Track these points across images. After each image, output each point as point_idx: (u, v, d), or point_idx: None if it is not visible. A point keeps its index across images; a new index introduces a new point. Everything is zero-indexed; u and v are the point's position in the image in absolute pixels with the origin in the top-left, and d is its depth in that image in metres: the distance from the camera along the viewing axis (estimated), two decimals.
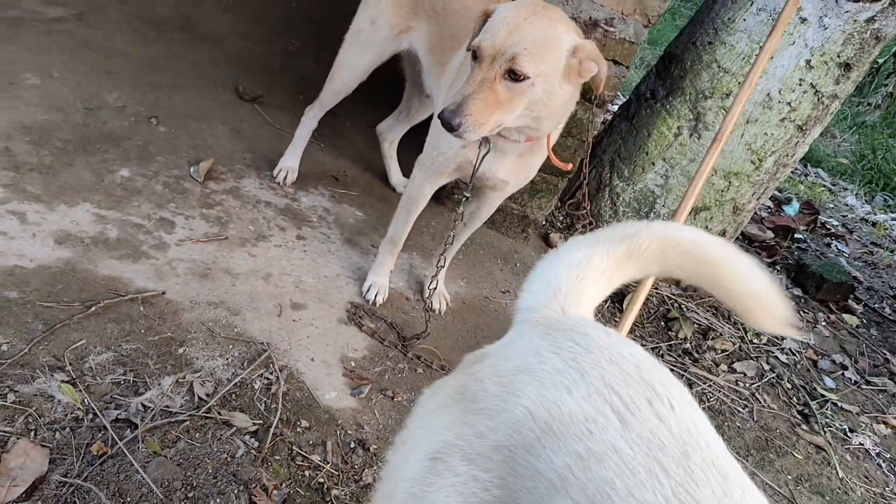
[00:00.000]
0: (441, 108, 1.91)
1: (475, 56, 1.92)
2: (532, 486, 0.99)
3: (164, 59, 3.41)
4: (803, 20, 2.87)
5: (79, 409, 1.89)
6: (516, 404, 1.04)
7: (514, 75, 1.89)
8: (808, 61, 2.94)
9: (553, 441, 0.98)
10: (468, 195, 2.33)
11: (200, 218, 2.64)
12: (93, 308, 2.13)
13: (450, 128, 1.87)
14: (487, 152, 2.20)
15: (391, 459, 1.28)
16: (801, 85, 2.99)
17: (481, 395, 1.11)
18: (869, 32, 2.89)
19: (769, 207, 5.20)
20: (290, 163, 3.01)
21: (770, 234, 4.63)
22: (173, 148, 2.90)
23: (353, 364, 2.36)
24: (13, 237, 2.24)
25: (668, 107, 3.20)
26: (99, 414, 1.89)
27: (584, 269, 1.27)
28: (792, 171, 6.38)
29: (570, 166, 2.35)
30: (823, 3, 2.82)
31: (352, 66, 2.75)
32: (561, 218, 3.59)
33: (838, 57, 2.93)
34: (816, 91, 3.00)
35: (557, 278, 1.27)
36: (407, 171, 3.25)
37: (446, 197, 3.28)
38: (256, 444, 1.98)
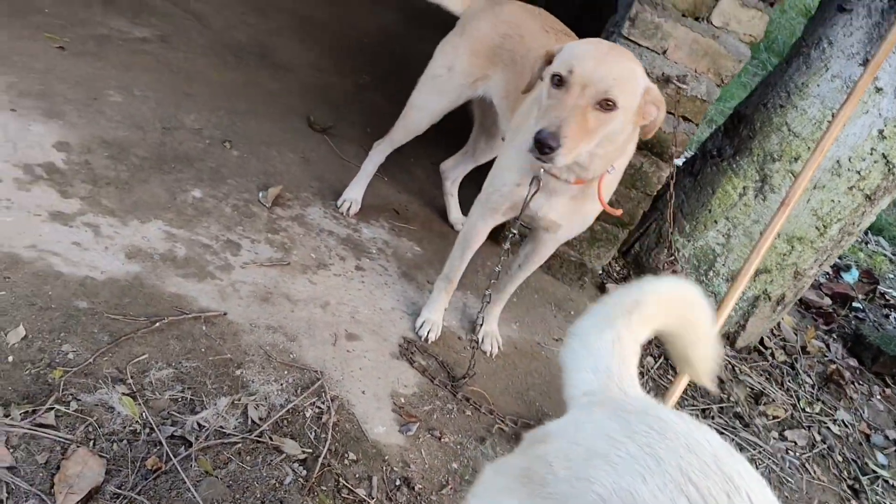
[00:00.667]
0: (534, 129, 1.89)
1: (559, 83, 1.92)
2: None
3: (241, 86, 3.51)
4: (878, 90, 2.85)
5: (137, 422, 1.93)
6: (588, 491, 1.02)
7: (606, 105, 1.92)
8: (881, 131, 2.91)
9: None
10: (514, 231, 2.34)
11: (265, 242, 2.70)
12: (157, 324, 2.19)
13: (547, 148, 1.86)
14: (537, 190, 2.21)
15: None
16: (871, 154, 2.95)
17: (550, 479, 1.09)
18: None
19: (828, 274, 5.11)
20: (354, 194, 3.07)
21: (828, 300, 4.55)
22: (244, 172, 2.97)
23: (402, 400, 2.37)
24: (87, 248, 2.32)
25: (734, 166, 3.18)
26: (156, 429, 1.93)
27: (621, 348, 1.30)
28: None
29: (620, 212, 2.35)
30: None
31: (426, 109, 2.80)
32: (618, 269, 3.58)
33: None
34: (887, 161, 2.96)
35: (604, 362, 1.29)
36: (467, 210, 3.28)
37: (503, 239, 3.29)
38: (304, 472, 2.00)
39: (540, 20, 2.61)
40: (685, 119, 2.87)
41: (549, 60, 2.07)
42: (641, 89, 1.99)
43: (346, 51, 4.34)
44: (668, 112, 2.78)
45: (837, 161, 3.00)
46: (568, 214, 2.35)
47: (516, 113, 2.45)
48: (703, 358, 1.41)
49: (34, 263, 2.17)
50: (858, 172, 3.00)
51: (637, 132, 2.13)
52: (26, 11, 3.20)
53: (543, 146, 1.86)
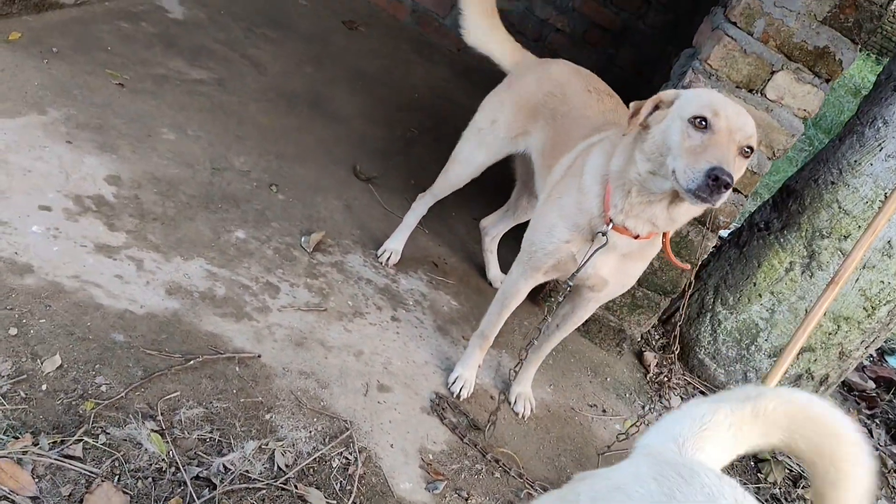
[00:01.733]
0: (700, 167, 1.85)
1: (702, 126, 1.90)
2: None
3: (292, 132, 3.56)
4: None
5: (163, 460, 1.92)
6: None
7: (745, 152, 1.93)
8: None
9: None
10: (561, 298, 2.29)
11: (304, 287, 2.70)
12: (191, 362, 2.18)
13: (724, 186, 1.81)
14: (605, 244, 2.16)
15: None
16: None
17: None
18: None
19: (872, 357, 4.97)
20: (395, 245, 3.07)
21: (871, 384, 4.41)
22: (288, 216, 2.99)
23: (430, 457, 2.33)
24: (128, 282, 2.33)
25: (781, 240, 3.13)
26: (181, 468, 1.91)
27: (707, 421, 1.22)
28: None
29: (688, 266, 2.30)
30: None
31: (468, 162, 2.81)
32: (657, 337, 3.51)
33: None
34: None
35: (677, 426, 1.24)
36: (505, 267, 3.26)
37: (542, 298, 3.26)
38: None
39: (585, 81, 2.63)
40: (735, 190, 2.83)
41: (657, 106, 2.05)
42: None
43: (396, 104, 4.39)
44: None
45: (889, 242, 2.94)
46: (616, 272, 2.30)
47: (553, 169, 2.44)
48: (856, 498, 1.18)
49: (76, 293, 2.19)
50: None
51: None
52: (90, 48, 3.30)
53: (721, 183, 1.80)
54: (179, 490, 1.88)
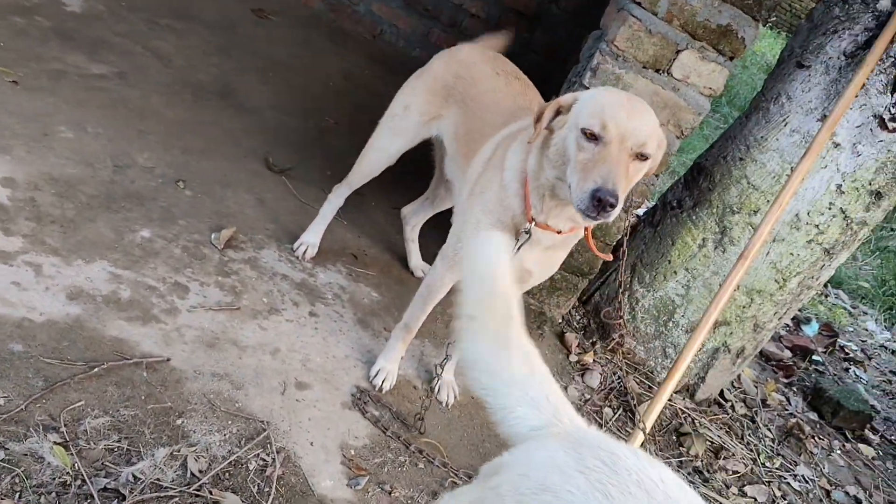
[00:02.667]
0: (585, 187, 1.85)
1: (593, 137, 1.90)
2: None
3: (199, 125, 3.45)
4: (837, 145, 2.87)
5: (68, 473, 1.83)
6: None
7: (641, 156, 1.93)
8: (839, 186, 2.92)
9: None
10: None
11: (215, 286, 2.61)
12: (95, 369, 2.09)
13: (609, 206, 1.82)
14: (528, 238, 2.16)
15: None
16: (830, 209, 2.97)
17: None
18: None
19: (788, 326, 5.12)
20: (311, 238, 3.00)
21: (788, 353, 4.55)
22: (197, 213, 2.89)
23: (352, 452, 2.29)
24: (26, 289, 2.22)
25: (694, 217, 3.18)
26: (88, 481, 1.83)
27: (542, 374, 1.30)
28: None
29: (610, 257, 2.31)
30: (858, 131, 2.82)
31: (383, 150, 2.77)
32: (578, 317, 3.54)
33: (870, 184, 2.91)
34: (846, 216, 2.98)
35: (539, 393, 1.27)
36: (427, 255, 3.23)
37: None
38: None
39: (492, 63, 2.62)
40: None
41: (558, 111, 2.04)
42: (660, 135, 2.02)
43: (311, 94, 4.30)
44: None
45: (797, 215, 3.01)
46: (540, 263, 2.32)
47: (474, 161, 2.42)
48: None
49: None
50: (817, 226, 3.01)
51: None
52: None
53: (605, 204, 1.81)
54: (86, 503, 1.79)
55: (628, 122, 1.91)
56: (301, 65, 4.58)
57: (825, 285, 6.65)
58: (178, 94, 3.59)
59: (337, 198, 2.97)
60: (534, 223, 2.14)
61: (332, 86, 4.54)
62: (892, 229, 8.43)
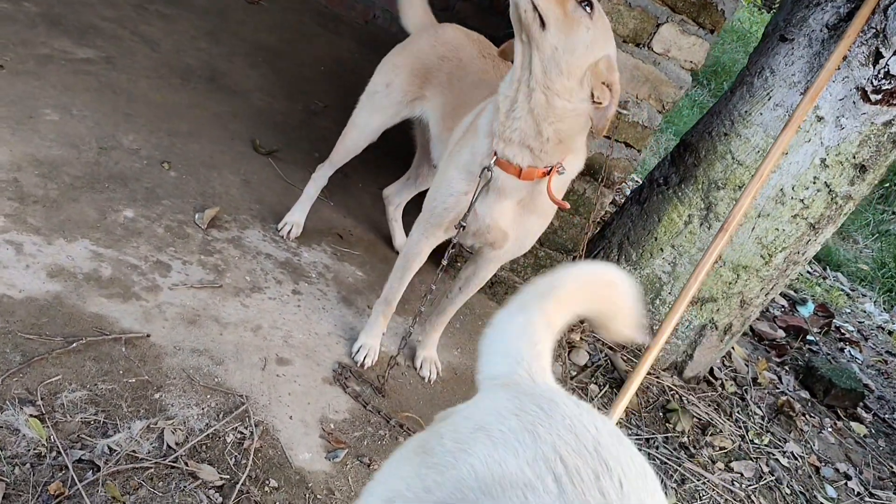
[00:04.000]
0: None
1: None
2: None
3: (186, 108, 3.46)
4: (820, 119, 2.86)
5: (43, 445, 1.85)
6: (465, 462, 1.03)
7: (585, 3, 1.93)
8: (823, 160, 2.91)
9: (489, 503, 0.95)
10: (464, 224, 2.26)
11: (198, 264, 2.63)
12: (74, 344, 2.10)
13: None
14: (490, 177, 2.17)
15: None
16: (815, 183, 2.96)
17: (438, 450, 1.10)
18: (886, 136, 2.87)
19: (783, 306, 5.12)
20: (295, 217, 3.01)
21: (781, 332, 4.54)
22: (181, 193, 2.91)
23: (332, 426, 2.30)
24: (6, 266, 2.24)
25: (679, 194, 3.18)
26: (63, 452, 1.84)
27: (533, 332, 1.29)
28: (810, 273, 6.31)
29: (567, 205, 2.29)
30: (841, 104, 2.81)
31: (363, 127, 2.77)
32: None
33: (854, 158, 2.91)
34: (830, 190, 2.97)
35: (514, 345, 1.27)
36: None
37: (449, 265, 3.24)
38: (220, 499, 1.92)
39: (478, 45, 2.62)
40: (627, 145, 2.86)
41: None
42: (606, 46, 2.01)
43: (300, 77, 4.31)
44: (606, 136, 2.76)
45: (781, 189, 3.00)
46: (514, 224, 2.31)
47: (454, 130, 2.42)
48: (626, 319, 1.40)
49: None
50: (802, 201, 3.00)
51: (587, 127, 2.12)
52: None
53: None
54: (61, 474, 1.81)
55: None
56: (292, 49, 4.58)
57: (824, 268, 6.64)
58: (165, 79, 3.60)
59: (320, 177, 2.98)
60: (495, 158, 2.14)
61: (323, 70, 4.54)
62: (893, 213, 8.41)
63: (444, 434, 1.13)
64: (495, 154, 2.14)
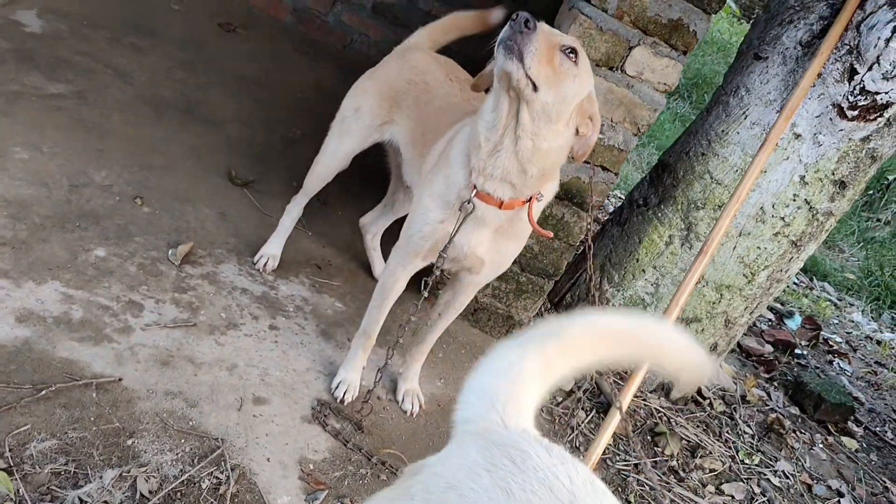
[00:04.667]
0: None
1: (526, 26, 1.88)
2: None
3: (160, 141, 3.42)
4: (797, 136, 2.85)
5: (10, 499, 1.79)
6: None
7: (569, 53, 1.93)
8: (803, 177, 2.90)
9: None
10: (444, 256, 2.23)
11: (171, 302, 2.58)
12: (43, 392, 2.06)
13: (524, 23, 1.84)
14: (472, 211, 2.14)
15: None
16: (795, 200, 2.94)
17: None
18: (864, 151, 2.86)
19: (770, 320, 5.09)
20: (272, 250, 2.97)
21: (769, 348, 4.52)
22: (155, 229, 2.86)
23: (311, 467, 2.25)
24: None
25: (659, 215, 3.15)
26: None
27: (518, 373, 1.23)
28: (797, 284, 6.30)
29: (550, 235, 2.28)
30: (818, 120, 2.80)
31: (333, 153, 2.75)
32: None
33: (833, 174, 2.89)
34: (811, 207, 2.95)
35: (492, 386, 1.22)
36: None
37: (431, 293, 3.20)
38: None
39: (445, 69, 2.60)
40: (604, 169, 2.84)
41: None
42: (589, 84, 2.02)
43: (278, 106, 4.28)
44: (585, 162, 2.74)
45: (761, 208, 2.98)
46: (491, 251, 2.29)
47: (427, 159, 2.40)
48: (691, 362, 1.33)
49: None
50: (783, 219, 2.98)
51: (570, 142, 2.10)
52: None
53: (520, 20, 1.84)
54: None
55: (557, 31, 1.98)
56: (269, 78, 4.55)
57: (810, 278, 6.63)
58: (138, 112, 3.56)
59: (295, 206, 2.95)
60: (475, 192, 2.12)
61: (301, 97, 4.51)
62: (878, 220, 8.43)
63: (414, 495, 1.10)
64: (474, 187, 2.11)
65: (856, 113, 2.74)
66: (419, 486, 1.11)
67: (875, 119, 2.75)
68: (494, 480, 1.02)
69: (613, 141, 2.76)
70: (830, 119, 2.80)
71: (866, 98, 2.70)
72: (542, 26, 1.92)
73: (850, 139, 2.83)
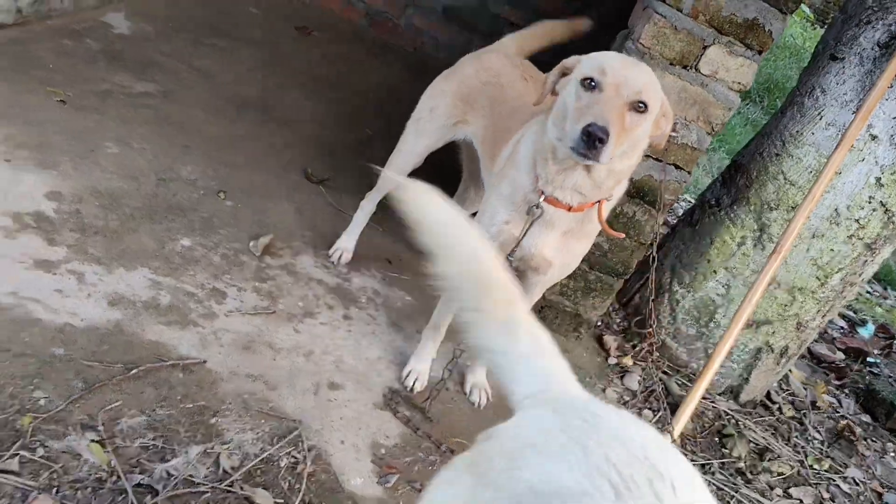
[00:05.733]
0: (578, 126, 1.89)
1: (590, 86, 1.94)
2: None
3: (241, 139, 3.55)
4: (874, 137, 2.81)
5: (104, 470, 1.90)
6: (519, 479, 1.07)
7: (638, 106, 1.95)
8: (878, 179, 2.86)
9: None
10: (511, 259, 2.27)
11: (252, 291, 2.69)
12: (134, 371, 2.17)
13: (598, 141, 1.85)
14: (540, 214, 2.18)
15: None
16: (870, 202, 2.90)
17: (490, 470, 1.14)
18: None
19: (842, 328, 4.99)
20: (346, 243, 3.06)
21: (840, 355, 4.43)
22: (237, 222, 2.98)
23: (383, 451, 2.32)
24: (68, 296, 2.32)
25: (732, 216, 3.14)
26: (122, 477, 1.89)
27: (539, 342, 1.37)
28: (870, 293, 6.15)
29: (622, 235, 2.31)
30: (895, 122, 2.76)
31: (409, 151, 2.83)
32: (618, 320, 3.52)
33: None
34: (886, 210, 2.91)
35: (540, 363, 1.35)
36: None
37: None
38: None
39: (520, 69, 2.65)
40: (677, 167, 2.84)
41: (563, 73, 2.10)
42: (661, 96, 2.04)
43: (351, 106, 4.39)
44: (657, 159, 2.76)
45: (836, 210, 2.95)
46: (558, 252, 2.32)
47: (498, 158, 2.45)
48: None
49: (12, 310, 2.17)
50: (857, 221, 2.95)
51: (640, 155, 2.13)
52: (29, 66, 3.28)
53: (594, 138, 1.84)
54: (121, 498, 1.86)
55: (623, 70, 1.95)
56: (342, 79, 4.67)
57: (884, 287, 6.46)
58: (221, 111, 3.70)
59: (369, 203, 3.03)
60: (543, 197, 2.15)
61: (373, 98, 4.62)
62: None
63: (493, 454, 1.17)
64: (542, 192, 2.16)
65: None
66: (497, 449, 1.18)
67: None
68: (571, 438, 1.09)
69: (687, 139, 2.76)
70: None
71: None
72: (610, 99, 1.91)
73: None
